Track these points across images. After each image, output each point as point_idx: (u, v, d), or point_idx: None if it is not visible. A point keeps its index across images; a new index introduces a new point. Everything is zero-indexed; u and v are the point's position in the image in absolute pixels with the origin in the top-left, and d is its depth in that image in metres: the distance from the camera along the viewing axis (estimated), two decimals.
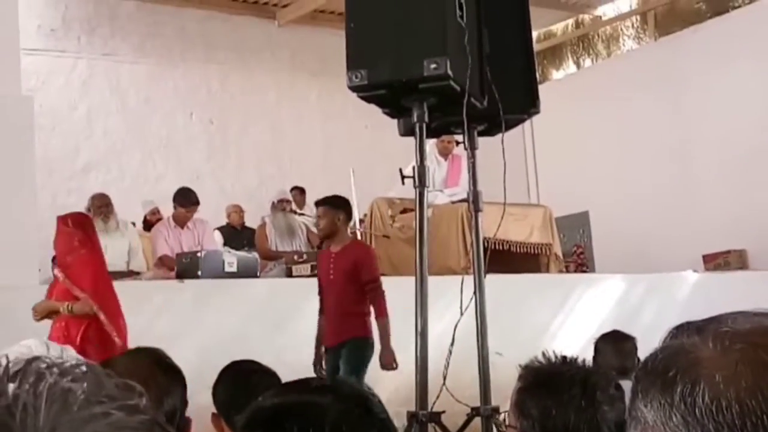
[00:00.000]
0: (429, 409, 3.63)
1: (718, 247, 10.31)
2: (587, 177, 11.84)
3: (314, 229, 9.08)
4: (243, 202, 9.98)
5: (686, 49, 11.37)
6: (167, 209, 8.55)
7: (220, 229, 9.20)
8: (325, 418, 1.22)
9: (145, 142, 11.14)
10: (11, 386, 0.58)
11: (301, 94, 12.08)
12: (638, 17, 12.64)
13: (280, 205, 8.82)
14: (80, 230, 5.20)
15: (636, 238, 10.94)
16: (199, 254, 6.97)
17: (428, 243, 3.79)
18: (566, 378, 1.95)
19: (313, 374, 5.44)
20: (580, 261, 11.07)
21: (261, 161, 11.71)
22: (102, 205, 7.73)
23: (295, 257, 7.83)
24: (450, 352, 3.88)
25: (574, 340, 6.43)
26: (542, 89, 4.34)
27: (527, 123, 5.30)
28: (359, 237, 8.59)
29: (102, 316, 4.99)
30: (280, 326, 6.31)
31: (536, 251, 8.19)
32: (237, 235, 9.17)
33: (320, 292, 5.84)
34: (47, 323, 5.07)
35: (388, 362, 5.48)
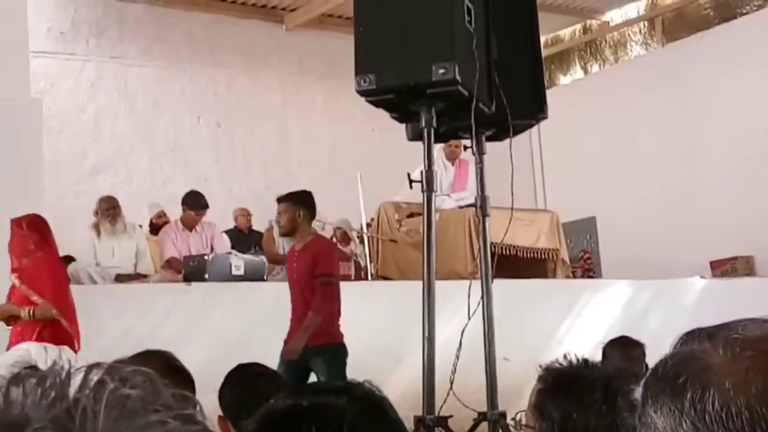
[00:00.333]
0: (436, 414, 3.63)
1: (725, 253, 10.29)
2: (594, 182, 11.83)
3: (321, 234, 9.11)
4: (250, 205, 9.99)
5: (693, 55, 11.36)
6: (174, 212, 8.56)
7: (228, 232, 9.21)
8: (342, 420, 1.22)
9: (153, 145, 11.16)
10: (72, 390, 0.59)
11: (308, 98, 12.09)
12: (646, 23, 12.63)
13: None
14: (36, 233, 5.09)
15: (643, 243, 10.92)
16: (206, 257, 6.99)
17: (436, 247, 3.80)
18: (588, 381, 1.95)
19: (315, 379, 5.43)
20: (586, 266, 11.05)
21: (268, 164, 11.72)
22: (109, 207, 7.74)
23: None
24: (457, 357, 3.88)
25: (580, 346, 6.41)
26: (549, 94, 4.34)
27: (534, 128, 5.30)
28: (366, 240, 8.60)
29: (63, 322, 4.90)
30: (286, 330, 6.31)
31: (543, 256, 8.19)
32: (244, 238, 9.18)
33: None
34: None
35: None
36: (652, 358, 4.49)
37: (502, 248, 6.07)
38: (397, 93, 3.57)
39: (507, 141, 4.13)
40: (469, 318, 3.95)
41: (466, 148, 4.27)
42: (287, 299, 6.68)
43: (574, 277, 9.44)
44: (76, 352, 4.59)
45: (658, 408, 0.86)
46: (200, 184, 9.12)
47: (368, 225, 8.69)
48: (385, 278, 8.07)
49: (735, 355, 0.85)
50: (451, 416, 3.78)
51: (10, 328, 5.04)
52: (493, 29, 3.97)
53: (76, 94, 10.82)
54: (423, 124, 3.66)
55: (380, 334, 6.39)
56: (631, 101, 11.73)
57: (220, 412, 2.99)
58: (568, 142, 12.11)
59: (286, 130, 11.96)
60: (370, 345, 6.16)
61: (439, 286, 3.75)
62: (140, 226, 8.48)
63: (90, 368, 0.62)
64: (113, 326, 5.73)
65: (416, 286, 3.85)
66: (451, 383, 3.87)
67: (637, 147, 11.65)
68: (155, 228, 8.67)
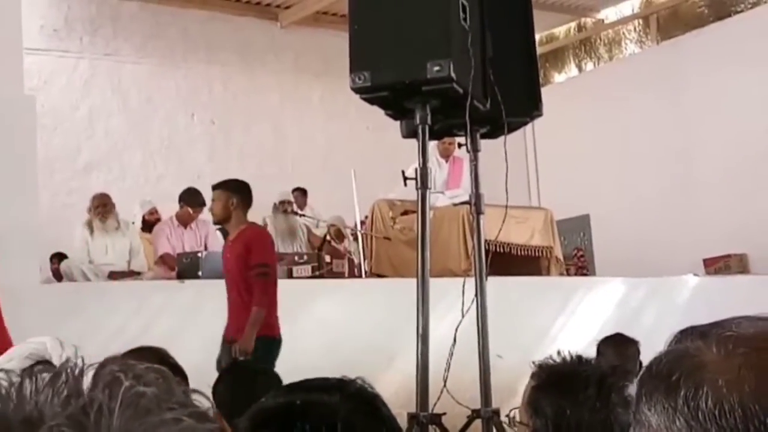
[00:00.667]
0: (430, 411, 3.63)
1: (718, 251, 10.32)
2: (588, 180, 11.84)
3: (316, 231, 9.12)
4: None
5: (688, 53, 11.38)
6: (167, 209, 8.55)
7: (221, 229, 9.20)
8: (336, 417, 1.22)
9: (147, 143, 11.14)
10: (86, 387, 0.59)
11: (303, 96, 12.08)
12: (640, 21, 12.64)
13: (281, 206, 8.83)
14: None
15: (637, 241, 10.94)
16: (199, 254, 6.98)
17: (430, 245, 3.80)
18: (582, 378, 1.95)
19: (314, 375, 5.42)
20: (580, 264, 11.07)
21: (262, 162, 11.71)
22: (99, 205, 7.73)
23: (296, 258, 7.84)
24: (451, 354, 3.88)
25: (574, 343, 6.42)
26: (544, 92, 4.34)
27: (529, 126, 5.31)
28: (360, 238, 8.60)
29: None
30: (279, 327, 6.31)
31: (537, 254, 8.19)
32: None
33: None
34: (50, 322, 5.06)
35: (242, 349, 5.03)
36: (646, 356, 4.50)
37: (496, 246, 6.07)
38: (392, 90, 3.57)
39: (501, 138, 4.12)
40: (463, 315, 3.95)
41: (460, 145, 4.26)
42: (281, 296, 6.67)
43: (568, 274, 9.45)
44: None
45: (652, 405, 0.86)
46: (194, 181, 9.08)
47: (362, 222, 8.69)
48: (378, 275, 8.07)
49: (728, 352, 0.85)
50: (444, 413, 3.78)
51: None
52: (488, 27, 3.97)
53: (69, 91, 10.80)
54: (417, 122, 3.66)
55: (374, 331, 6.39)
56: (625, 99, 11.75)
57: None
58: (562, 140, 12.12)
59: (280, 127, 11.95)
60: (363, 342, 6.17)
61: (433, 283, 3.75)
62: (134, 224, 8.47)
63: (103, 365, 0.61)
64: (106, 323, 5.72)
65: (410, 284, 3.85)
66: (445, 380, 3.87)
67: (631, 145, 11.67)
68: (147, 225, 8.66)
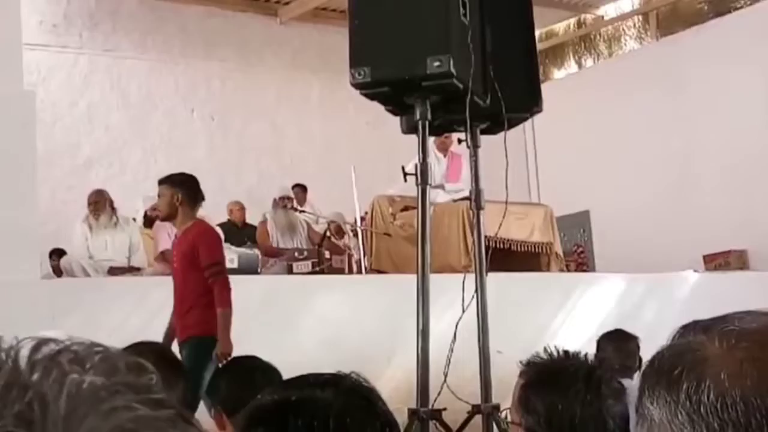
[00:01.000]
0: (430, 407, 3.63)
1: (718, 247, 10.32)
2: (588, 176, 11.84)
3: (316, 227, 9.12)
4: (243, 199, 9.98)
5: (688, 49, 11.37)
6: None
7: (221, 225, 9.19)
8: (329, 412, 1.22)
9: (146, 138, 11.14)
10: (28, 377, 0.54)
11: (302, 92, 12.08)
12: (640, 17, 12.63)
13: (281, 202, 8.83)
14: None
15: (636, 237, 10.94)
16: None
17: (430, 241, 3.79)
18: (570, 373, 1.96)
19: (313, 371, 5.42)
20: (580, 260, 11.08)
21: (261, 158, 11.71)
22: (93, 201, 7.73)
23: (296, 254, 7.85)
24: (451, 350, 3.89)
25: (574, 339, 6.43)
26: (543, 88, 4.33)
27: (528, 122, 5.29)
28: (359, 234, 8.60)
29: None
30: (280, 323, 6.32)
31: (537, 250, 8.20)
32: (238, 231, 9.17)
33: None
34: (49, 317, 5.06)
35: (222, 353, 4.81)
36: (645, 351, 4.50)
37: (496, 242, 6.07)
38: (392, 86, 3.57)
39: (501, 134, 4.12)
40: (464, 311, 3.96)
41: (460, 141, 4.26)
42: (281, 292, 6.69)
43: (568, 270, 9.45)
44: None
45: (654, 400, 0.86)
46: None
47: (362, 218, 8.68)
48: (379, 272, 8.08)
49: (730, 346, 0.85)
50: (444, 409, 3.78)
51: None
52: (488, 22, 3.97)
53: (69, 86, 10.79)
54: (417, 117, 3.65)
55: (374, 327, 6.39)
56: (625, 96, 11.74)
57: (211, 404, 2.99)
58: (561, 136, 12.11)
59: (279, 123, 11.94)
60: (363, 338, 6.17)
61: (433, 279, 3.75)
62: (134, 219, 8.46)
63: (36, 347, 0.56)
64: (106, 319, 5.71)
65: (410, 280, 3.85)
66: (445, 376, 3.87)
67: (630, 141, 11.66)
68: (150, 221, 8.66)
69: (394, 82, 3.55)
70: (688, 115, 11.21)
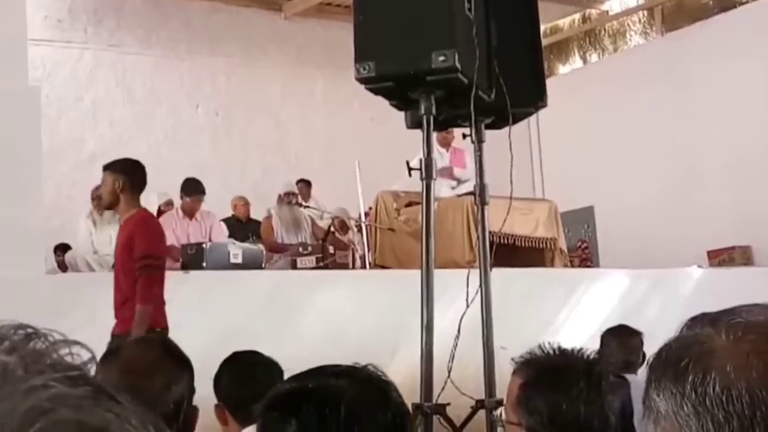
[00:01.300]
0: (434, 401, 3.63)
1: (722, 243, 10.30)
2: (592, 172, 11.83)
3: (320, 222, 9.12)
4: (247, 194, 9.98)
5: (693, 44, 11.35)
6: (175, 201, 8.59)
7: (226, 221, 9.21)
8: (341, 400, 1.24)
9: (151, 134, 11.14)
10: None
11: (306, 87, 12.08)
12: (645, 12, 12.61)
13: (286, 198, 8.83)
14: None
15: (640, 233, 10.93)
16: (204, 245, 6.98)
17: (434, 236, 3.79)
18: (571, 371, 1.94)
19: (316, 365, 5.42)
20: (584, 256, 11.07)
21: (266, 154, 11.71)
22: (96, 196, 7.74)
23: (300, 249, 7.84)
24: (455, 345, 3.89)
25: (578, 335, 6.43)
26: (548, 84, 4.33)
27: (533, 117, 5.30)
28: (364, 229, 8.60)
29: None
30: (284, 318, 6.32)
31: (541, 245, 8.19)
32: (242, 227, 9.18)
33: None
34: (54, 312, 5.06)
35: None
36: (649, 347, 4.50)
37: (500, 237, 6.07)
38: (397, 80, 3.57)
39: (505, 130, 4.12)
40: (468, 306, 3.96)
41: (465, 136, 4.25)
42: (285, 287, 6.70)
43: (572, 266, 9.44)
44: None
45: (660, 391, 0.86)
46: (197, 172, 9.08)
47: (366, 214, 8.68)
48: (383, 267, 8.08)
49: (737, 339, 0.85)
50: (448, 404, 3.79)
51: None
52: (493, 17, 3.96)
53: (73, 82, 10.80)
54: (422, 112, 3.65)
55: (378, 322, 6.39)
56: (630, 91, 11.72)
57: (215, 400, 3.00)
58: (566, 131, 12.10)
59: (284, 119, 11.95)
60: (367, 333, 6.17)
61: (437, 274, 3.75)
62: None
63: None
64: (111, 314, 5.72)
65: (414, 276, 3.85)
66: (449, 371, 3.87)
67: (635, 137, 11.64)
68: (161, 215, 8.69)
69: (399, 76, 3.54)
70: (693, 110, 11.19)
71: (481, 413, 3.98)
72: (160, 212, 8.81)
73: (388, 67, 3.50)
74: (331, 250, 7.97)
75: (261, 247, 7.43)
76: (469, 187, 7.28)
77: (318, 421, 1.24)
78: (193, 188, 7.97)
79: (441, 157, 8.26)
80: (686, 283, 8.23)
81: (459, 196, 8.04)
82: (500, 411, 2.09)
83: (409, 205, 8.05)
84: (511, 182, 4.06)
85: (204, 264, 6.75)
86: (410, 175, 3.84)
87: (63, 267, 7.95)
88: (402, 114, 3.95)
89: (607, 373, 2.00)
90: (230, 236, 8.23)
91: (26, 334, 0.55)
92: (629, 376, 4.27)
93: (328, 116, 12.09)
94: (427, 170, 3.69)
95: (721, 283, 8.10)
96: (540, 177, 12.93)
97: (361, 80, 3.54)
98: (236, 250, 6.99)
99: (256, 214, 9.51)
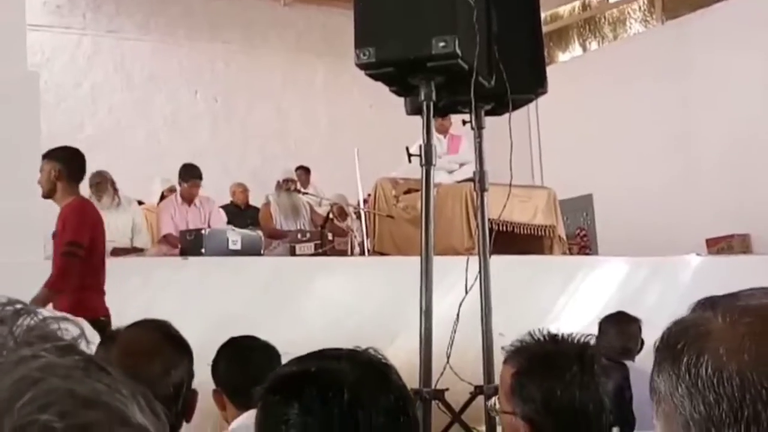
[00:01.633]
0: (433, 387, 3.64)
1: (721, 231, 10.31)
2: (591, 160, 11.82)
3: (319, 209, 9.12)
4: (246, 180, 9.98)
5: (693, 32, 11.32)
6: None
7: (224, 207, 9.21)
8: (344, 383, 1.25)
9: (150, 120, 11.13)
10: None
11: (306, 74, 12.05)
12: (645, 0, 12.58)
13: (285, 185, 8.83)
14: None
15: (639, 221, 10.93)
16: (203, 231, 6.98)
17: (433, 222, 3.80)
18: (563, 356, 1.94)
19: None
20: (583, 243, 11.08)
21: (265, 140, 11.70)
22: (95, 183, 7.72)
23: (299, 236, 7.85)
24: (454, 331, 3.90)
25: (576, 322, 6.44)
26: (548, 71, 4.32)
27: (532, 105, 5.29)
28: (362, 216, 8.60)
29: None
30: (282, 304, 6.33)
31: (540, 233, 8.19)
32: (241, 213, 9.18)
33: None
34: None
35: None
36: (647, 334, 4.51)
37: (499, 224, 6.07)
38: (397, 66, 3.56)
39: (505, 117, 4.12)
40: (467, 292, 3.96)
41: (465, 122, 4.25)
42: (284, 274, 6.70)
43: (571, 253, 9.45)
44: None
45: (660, 373, 0.86)
46: (196, 159, 9.07)
47: (365, 201, 8.68)
48: (381, 254, 8.08)
49: (733, 321, 0.85)
50: (447, 389, 3.80)
51: None
52: (494, 3, 3.95)
53: (72, 68, 10.78)
54: (422, 98, 3.65)
55: (376, 308, 6.40)
56: (629, 79, 11.71)
57: (213, 386, 3.00)
58: (565, 119, 12.09)
59: (283, 105, 11.93)
60: (366, 319, 6.18)
61: (436, 261, 3.76)
62: (139, 202, 8.47)
63: None
64: (109, 300, 5.73)
65: (413, 262, 3.85)
66: (448, 357, 3.88)
67: (635, 124, 11.63)
68: None
69: (399, 62, 3.54)
70: (692, 98, 11.18)
71: (480, 399, 3.99)
72: (164, 198, 8.82)
73: (389, 52, 3.49)
74: (329, 236, 7.97)
75: (260, 233, 7.43)
76: (468, 173, 7.27)
77: (321, 404, 1.25)
78: (189, 173, 7.95)
79: (439, 143, 8.26)
80: (685, 271, 8.23)
81: (458, 182, 8.04)
82: (494, 400, 2.07)
83: (407, 192, 8.05)
84: (511, 169, 4.06)
85: (203, 250, 6.75)
86: (410, 161, 3.84)
87: None
88: (401, 102, 3.95)
89: (599, 356, 2.00)
90: (229, 223, 8.23)
91: (15, 310, 0.56)
92: (628, 363, 4.28)
93: (328, 103, 12.07)
94: (427, 156, 3.69)
95: (719, 271, 8.11)
96: (539, 164, 12.92)
97: (362, 66, 3.53)
98: (235, 237, 6.99)
99: (255, 200, 9.51)
